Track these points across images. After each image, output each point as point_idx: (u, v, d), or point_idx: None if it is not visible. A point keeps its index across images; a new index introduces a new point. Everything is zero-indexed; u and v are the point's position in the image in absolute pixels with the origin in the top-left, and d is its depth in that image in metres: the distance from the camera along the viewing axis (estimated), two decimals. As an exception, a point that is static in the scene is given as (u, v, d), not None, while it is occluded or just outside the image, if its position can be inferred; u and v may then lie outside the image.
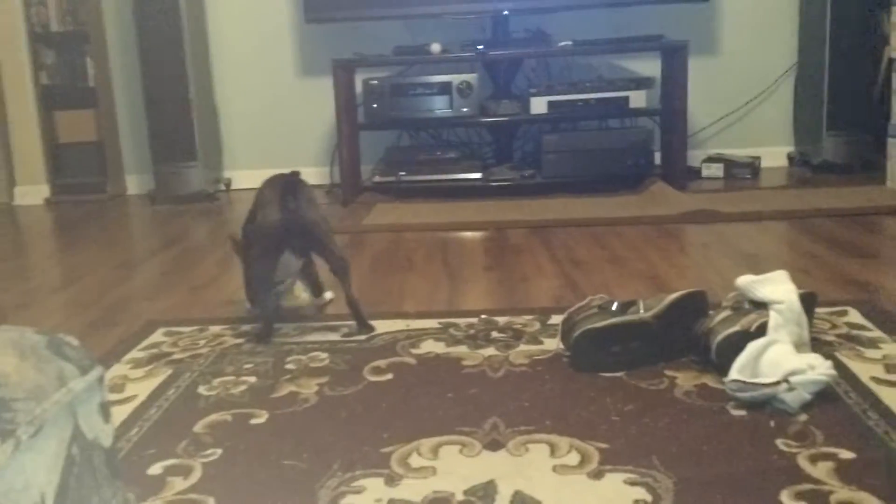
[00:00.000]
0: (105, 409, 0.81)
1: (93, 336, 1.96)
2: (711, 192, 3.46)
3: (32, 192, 4.06)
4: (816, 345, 1.60)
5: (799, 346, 1.49)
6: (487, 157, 3.85)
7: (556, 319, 1.74)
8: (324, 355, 1.72)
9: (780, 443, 1.25)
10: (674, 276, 2.22)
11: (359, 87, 3.65)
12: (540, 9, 3.66)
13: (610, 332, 1.57)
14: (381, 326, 1.86)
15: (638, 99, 3.52)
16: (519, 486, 1.17)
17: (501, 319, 1.88)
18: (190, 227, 3.34)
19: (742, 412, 1.36)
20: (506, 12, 3.63)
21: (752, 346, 1.43)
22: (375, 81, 3.59)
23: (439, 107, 3.58)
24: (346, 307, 1.87)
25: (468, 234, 2.91)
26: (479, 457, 1.26)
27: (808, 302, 1.60)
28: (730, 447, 1.25)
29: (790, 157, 3.96)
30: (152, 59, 3.74)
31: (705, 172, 3.75)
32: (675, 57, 3.44)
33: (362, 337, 1.82)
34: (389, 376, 1.60)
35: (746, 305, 1.57)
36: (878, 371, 1.50)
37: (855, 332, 1.70)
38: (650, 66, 3.71)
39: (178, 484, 1.23)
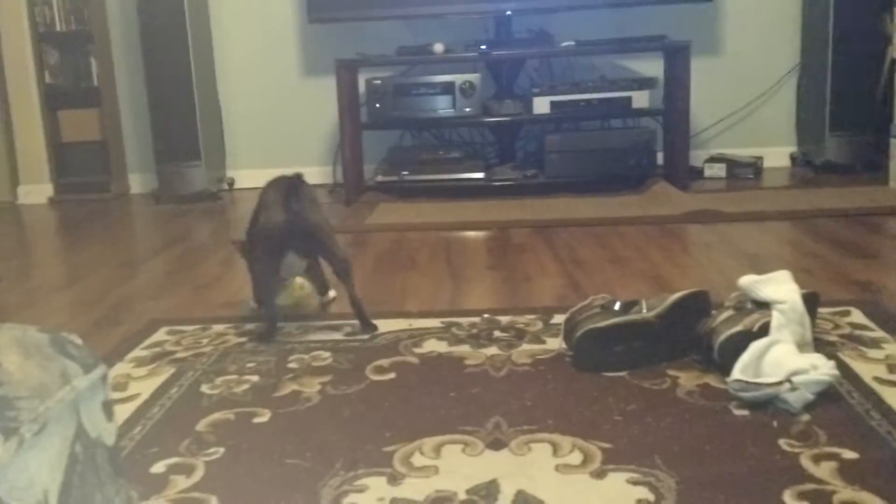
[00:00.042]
0: (108, 408, 0.81)
1: (96, 335, 1.96)
2: (714, 192, 3.46)
3: (36, 192, 4.07)
4: (819, 345, 1.59)
5: (801, 346, 1.49)
6: (490, 157, 3.85)
7: (559, 319, 1.74)
8: (326, 354, 1.72)
9: (782, 443, 1.25)
10: (676, 275, 2.22)
11: (362, 87, 3.65)
12: (542, 9, 3.66)
13: (612, 332, 1.57)
14: (384, 326, 1.86)
15: (641, 99, 3.52)
16: (521, 486, 1.17)
17: (504, 319, 1.88)
18: (193, 227, 3.34)
19: (745, 412, 1.36)
20: (509, 12, 3.63)
21: (755, 346, 1.43)
22: (378, 81, 3.59)
23: (442, 107, 3.58)
24: (349, 307, 1.87)
25: (471, 233, 2.91)
26: (481, 456, 1.26)
27: (811, 302, 1.60)
28: (732, 447, 1.25)
29: (793, 158, 3.95)
30: (156, 59, 3.74)
31: (708, 172, 3.74)
32: (677, 57, 3.44)
33: (365, 336, 1.82)
34: (392, 375, 1.60)
35: (749, 305, 1.57)
36: (881, 371, 1.50)
37: (857, 332, 1.70)
38: (653, 67, 3.71)
39: (181, 482, 1.23)
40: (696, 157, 3.76)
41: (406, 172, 3.59)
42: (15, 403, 0.68)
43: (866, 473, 1.15)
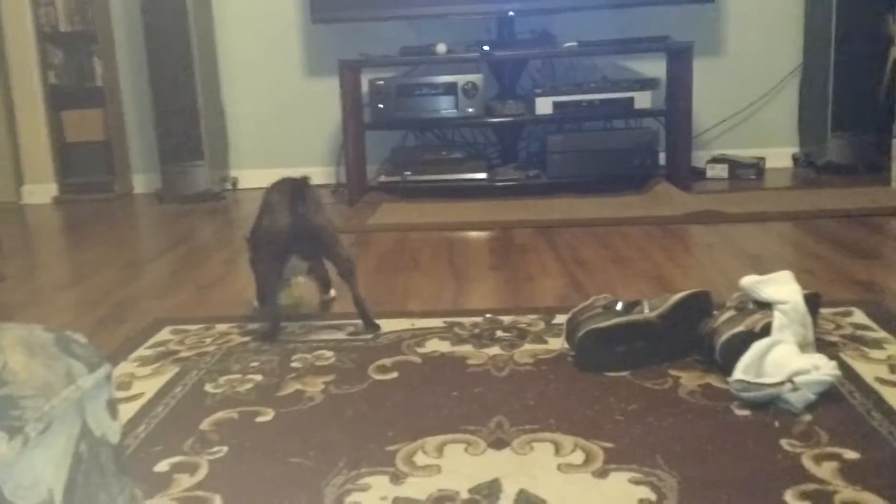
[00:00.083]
0: (112, 407, 0.81)
1: (100, 334, 1.96)
2: (716, 192, 3.46)
3: (40, 191, 4.08)
4: (821, 345, 1.60)
5: (803, 347, 1.49)
6: (493, 158, 3.85)
7: (561, 319, 1.74)
8: (329, 354, 1.73)
9: (784, 443, 1.25)
10: (678, 276, 2.22)
11: (365, 88, 3.65)
12: (545, 10, 3.66)
13: (614, 332, 1.57)
14: (387, 325, 1.87)
15: (643, 100, 3.52)
16: (523, 485, 1.17)
17: (506, 319, 1.89)
18: (196, 227, 3.35)
19: (746, 412, 1.36)
20: (511, 13, 3.63)
21: (757, 347, 1.43)
22: (381, 82, 3.60)
23: (445, 107, 3.59)
24: (352, 306, 1.88)
25: (473, 233, 2.92)
26: (483, 455, 1.27)
27: (813, 302, 1.61)
28: (734, 447, 1.26)
29: (795, 158, 3.95)
30: (160, 59, 3.75)
31: (710, 173, 3.74)
32: (680, 58, 3.44)
33: (368, 336, 1.83)
34: (395, 375, 1.60)
35: (751, 306, 1.57)
36: (883, 371, 1.50)
37: (859, 332, 1.70)
38: (655, 67, 3.71)
39: (185, 481, 1.24)
40: (699, 158, 3.76)
41: (409, 173, 3.60)
42: (20, 402, 0.68)
43: (868, 474, 1.16)
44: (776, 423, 1.31)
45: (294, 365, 1.68)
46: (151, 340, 1.88)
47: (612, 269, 2.32)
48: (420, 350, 1.72)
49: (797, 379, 1.35)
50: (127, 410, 1.48)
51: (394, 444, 1.31)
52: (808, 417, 1.33)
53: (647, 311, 1.61)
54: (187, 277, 2.49)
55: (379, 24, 3.88)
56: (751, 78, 3.92)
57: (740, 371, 1.40)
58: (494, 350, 1.70)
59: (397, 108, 3.59)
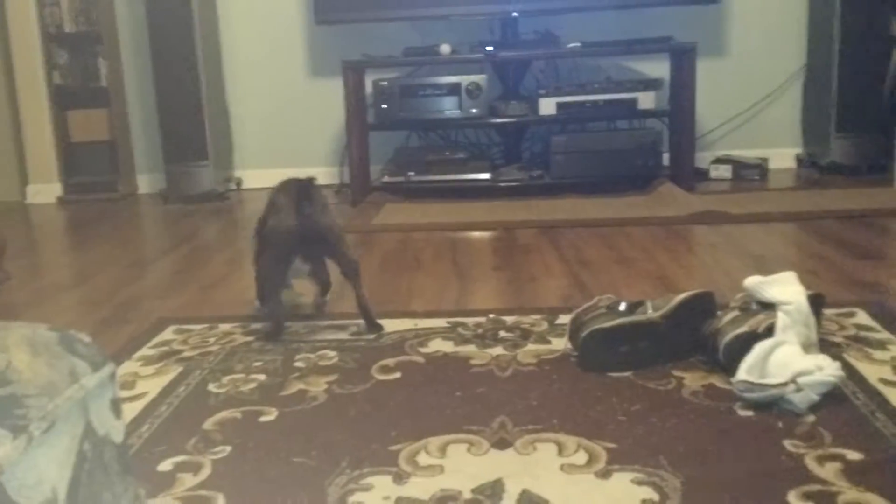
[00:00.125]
0: (116, 406, 0.82)
1: (104, 333, 1.97)
2: (719, 193, 3.46)
3: (45, 191, 4.09)
4: (824, 346, 1.59)
5: (807, 347, 1.49)
6: (496, 158, 3.85)
7: (564, 319, 1.74)
8: (332, 354, 1.73)
9: (787, 443, 1.25)
10: (682, 276, 2.22)
11: (368, 88, 3.65)
12: (548, 10, 3.66)
13: (618, 333, 1.57)
14: (390, 325, 1.87)
15: (646, 100, 3.52)
16: (526, 485, 1.17)
17: (509, 319, 1.89)
18: (200, 227, 3.35)
19: (749, 413, 1.36)
20: (515, 14, 3.63)
21: (760, 347, 1.43)
22: (385, 82, 3.60)
23: (448, 108, 3.59)
24: (354, 306, 1.88)
25: (477, 233, 2.92)
26: (486, 455, 1.27)
27: (816, 303, 1.60)
28: (737, 447, 1.26)
29: (798, 159, 3.95)
30: (164, 60, 3.76)
31: (713, 174, 3.74)
32: (683, 58, 3.44)
33: (371, 336, 1.83)
34: (398, 375, 1.61)
35: (754, 306, 1.57)
36: (886, 372, 1.50)
37: (863, 333, 1.70)
38: (658, 68, 3.70)
39: (188, 480, 1.24)
40: (702, 159, 3.76)
41: (412, 173, 3.60)
42: (24, 401, 0.69)
43: (871, 475, 1.15)
44: (779, 424, 1.31)
45: (297, 365, 1.68)
46: (155, 340, 1.88)
47: (615, 270, 2.32)
48: (423, 350, 1.73)
49: (800, 380, 1.35)
50: (130, 410, 1.48)
51: (397, 444, 1.31)
52: (811, 418, 1.33)
53: (650, 311, 1.61)
54: (191, 277, 2.49)
55: (382, 25, 3.88)
56: (754, 78, 3.92)
57: (744, 372, 1.40)
58: (498, 350, 1.70)
59: (401, 108, 3.59)
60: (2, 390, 0.68)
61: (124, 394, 1.56)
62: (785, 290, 1.55)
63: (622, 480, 1.17)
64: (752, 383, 1.38)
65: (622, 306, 1.63)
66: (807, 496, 1.11)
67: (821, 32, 3.69)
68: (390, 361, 1.67)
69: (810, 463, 1.19)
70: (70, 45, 4.03)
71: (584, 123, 3.72)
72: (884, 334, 1.68)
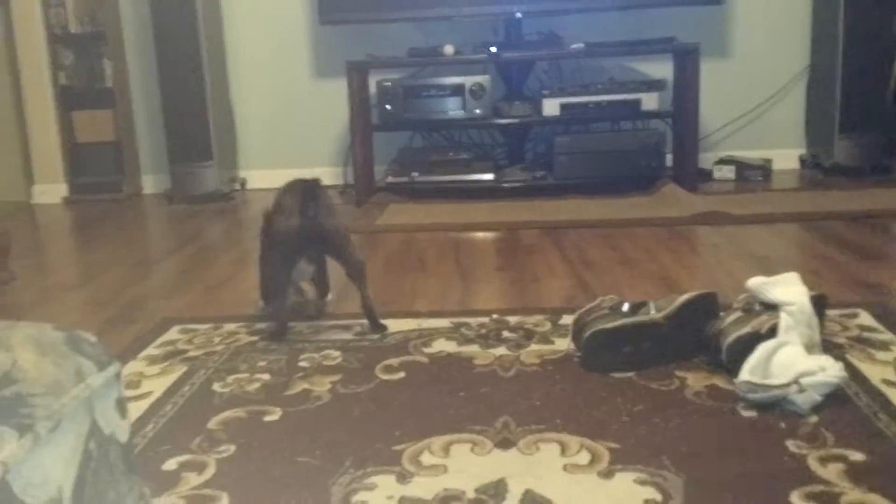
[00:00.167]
0: (121, 405, 0.82)
1: (110, 333, 1.98)
2: (723, 193, 3.45)
3: (50, 191, 4.10)
4: (827, 347, 1.60)
5: (810, 348, 1.49)
6: (500, 159, 3.85)
7: (568, 320, 1.75)
8: (337, 354, 1.74)
9: (790, 444, 1.26)
10: (685, 277, 2.22)
11: (372, 89, 3.66)
12: (552, 11, 3.66)
13: (621, 333, 1.58)
14: (394, 325, 1.87)
15: (650, 101, 3.51)
16: (529, 485, 1.18)
17: (513, 319, 1.89)
18: (205, 227, 3.36)
19: (752, 413, 1.36)
20: (518, 14, 3.63)
21: (763, 348, 1.43)
22: (389, 83, 3.60)
23: (452, 108, 3.59)
24: (358, 307, 1.88)
25: (480, 234, 2.92)
26: (489, 455, 1.27)
27: (819, 304, 1.61)
28: (740, 448, 1.26)
29: (802, 160, 3.94)
30: (169, 60, 3.76)
31: (717, 174, 3.74)
32: (686, 59, 3.43)
33: (375, 336, 1.83)
34: (401, 375, 1.61)
35: (757, 307, 1.57)
36: (889, 373, 1.50)
37: (866, 334, 1.70)
38: (662, 69, 3.70)
39: (193, 479, 1.25)
40: (705, 160, 3.75)
41: (416, 174, 3.60)
42: (30, 401, 0.69)
43: (874, 475, 1.16)
44: (782, 425, 1.32)
45: (301, 364, 1.69)
46: (160, 340, 1.89)
47: (618, 270, 2.32)
48: (427, 350, 1.73)
49: (803, 380, 1.35)
50: (136, 409, 1.49)
51: (400, 444, 1.31)
52: (814, 419, 1.33)
53: (653, 312, 1.62)
54: (196, 277, 2.50)
55: (386, 26, 3.88)
56: (758, 79, 3.91)
57: (746, 372, 1.40)
58: (501, 350, 1.70)
59: (405, 109, 3.60)
60: (8, 389, 0.69)
61: (129, 393, 1.56)
62: (788, 290, 1.56)
63: (625, 480, 1.18)
64: (754, 384, 1.38)
65: (625, 307, 1.63)
66: (809, 497, 1.11)
67: (824, 33, 3.69)
68: (394, 361, 1.67)
69: (813, 463, 1.20)
70: (75, 45, 4.04)
71: (588, 124, 3.71)
72: (887, 335, 1.68)
